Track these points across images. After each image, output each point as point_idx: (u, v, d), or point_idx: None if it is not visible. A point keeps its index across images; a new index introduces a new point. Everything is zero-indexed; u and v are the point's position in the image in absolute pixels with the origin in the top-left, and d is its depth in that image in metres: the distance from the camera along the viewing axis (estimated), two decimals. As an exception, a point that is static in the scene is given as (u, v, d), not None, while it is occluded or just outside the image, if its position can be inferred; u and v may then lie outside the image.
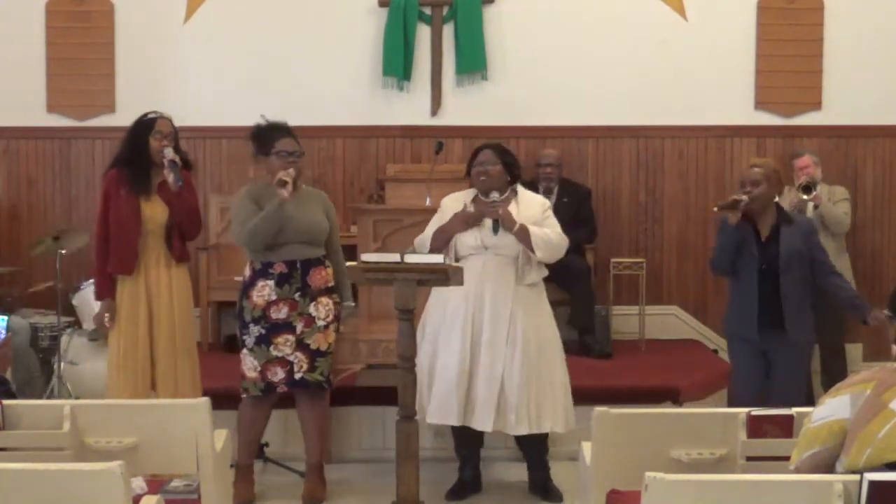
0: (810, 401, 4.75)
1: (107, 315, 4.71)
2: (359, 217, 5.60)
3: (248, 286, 4.68)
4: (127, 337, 4.66)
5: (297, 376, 4.63)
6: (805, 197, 6.14)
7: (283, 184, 4.51)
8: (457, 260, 4.61)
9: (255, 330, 4.63)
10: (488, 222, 4.60)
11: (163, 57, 7.13)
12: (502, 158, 4.67)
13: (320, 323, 4.66)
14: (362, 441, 5.41)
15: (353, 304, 4.92)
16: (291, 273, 4.63)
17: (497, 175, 4.64)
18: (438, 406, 4.57)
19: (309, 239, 4.67)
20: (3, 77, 7.07)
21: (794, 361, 4.72)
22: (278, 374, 4.62)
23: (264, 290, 4.63)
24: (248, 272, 4.72)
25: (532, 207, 4.69)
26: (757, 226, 4.72)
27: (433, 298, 4.72)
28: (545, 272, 4.72)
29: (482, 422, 4.55)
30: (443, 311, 4.64)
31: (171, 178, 4.57)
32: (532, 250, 4.54)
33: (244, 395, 4.72)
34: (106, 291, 4.71)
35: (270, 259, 4.64)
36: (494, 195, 4.58)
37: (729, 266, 4.76)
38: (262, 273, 4.65)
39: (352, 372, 5.28)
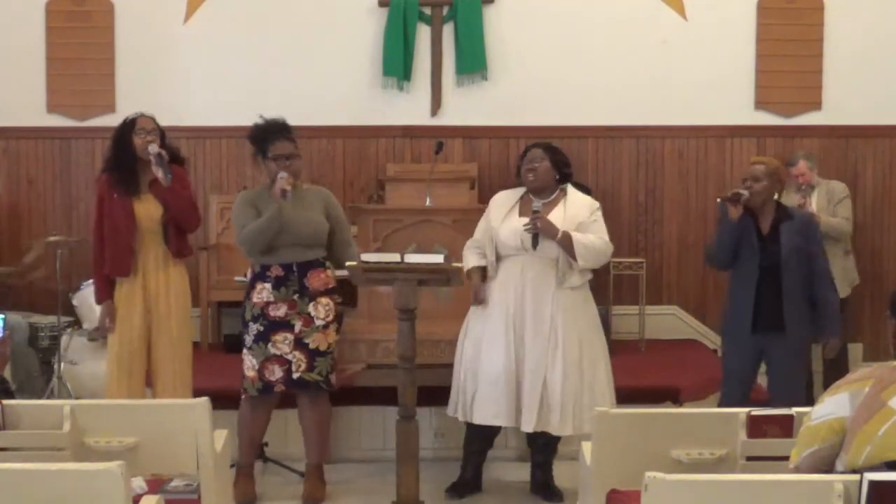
0: (810, 400, 4.75)
1: (107, 318, 4.72)
2: (359, 217, 5.59)
3: (249, 288, 4.72)
4: (123, 337, 4.67)
5: (295, 376, 4.63)
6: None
7: (284, 193, 4.52)
8: (497, 260, 4.62)
9: (254, 328, 4.64)
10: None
11: (163, 57, 7.13)
12: (550, 156, 4.66)
13: (319, 323, 4.66)
14: (362, 441, 5.40)
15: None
16: (288, 276, 4.63)
17: (545, 171, 4.63)
18: (486, 406, 4.56)
19: (305, 241, 4.66)
20: (3, 77, 7.07)
21: (791, 358, 4.70)
22: (276, 374, 4.62)
23: (262, 293, 4.64)
24: (249, 274, 4.76)
25: (579, 209, 4.63)
26: (757, 221, 4.72)
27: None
28: (589, 276, 4.68)
29: (527, 422, 4.55)
30: (483, 312, 4.64)
31: (159, 173, 4.58)
32: (574, 258, 4.51)
33: (243, 396, 4.72)
34: (105, 294, 4.72)
35: (268, 262, 4.65)
36: (536, 204, 4.55)
37: (728, 261, 4.77)
38: (259, 276, 4.67)
39: (352, 372, 5.27)
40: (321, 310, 4.67)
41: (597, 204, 4.74)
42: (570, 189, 4.73)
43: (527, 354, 4.55)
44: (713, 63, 7.11)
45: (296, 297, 4.63)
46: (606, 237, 4.63)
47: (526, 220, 4.53)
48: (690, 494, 2.52)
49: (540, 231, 4.48)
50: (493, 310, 4.61)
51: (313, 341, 4.64)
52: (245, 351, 4.68)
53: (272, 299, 4.62)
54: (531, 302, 4.55)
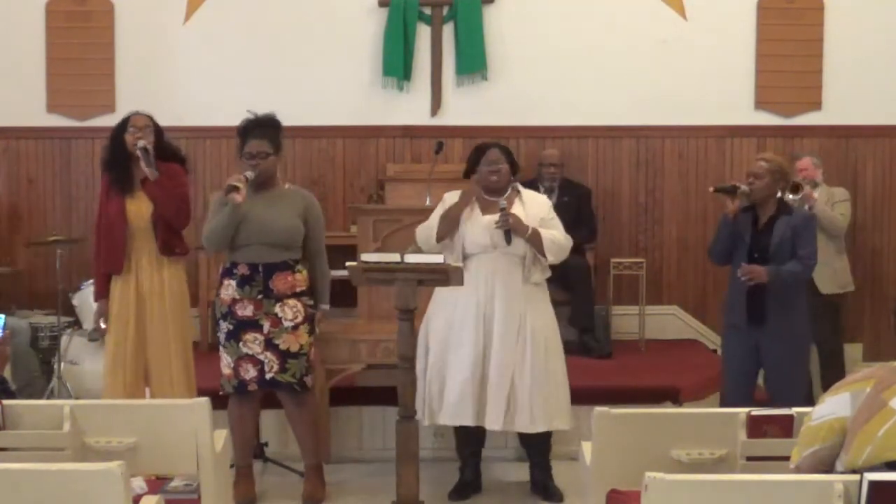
0: (810, 401, 4.75)
1: (101, 317, 4.74)
2: (359, 217, 5.60)
3: (218, 284, 4.73)
4: (117, 335, 4.68)
5: (268, 376, 4.61)
6: (792, 196, 6.11)
7: (232, 189, 4.48)
8: (464, 258, 4.61)
9: (224, 326, 4.65)
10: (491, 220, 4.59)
11: (163, 57, 7.13)
12: (507, 157, 4.71)
13: (287, 324, 4.61)
14: (362, 441, 5.41)
15: (327, 307, 4.78)
16: (253, 276, 4.60)
17: (506, 173, 4.67)
18: (452, 407, 4.56)
19: (273, 241, 4.60)
20: (3, 77, 7.07)
21: (785, 357, 4.69)
22: (250, 373, 4.61)
23: (228, 289, 4.64)
24: (221, 269, 4.77)
25: (539, 207, 4.70)
26: (758, 216, 4.76)
27: (437, 299, 4.71)
28: (548, 272, 4.73)
29: (493, 420, 4.55)
30: (451, 311, 4.62)
31: (142, 165, 4.59)
32: (543, 254, 4.56)
33: (221, 393, 4.70)
34: (102, 292, 4.74)
35: (235, 259, 4.65)
36: (503, 202, 4.56)
37: (724, 255, 4.82)
38: (227, 272, 4.68)
39: (352, 372, 5.27)
40: (288, 311, 4.62)
41: (550, 201, 4.84)
42: (521, 187, 4.79)
43: (494, 351, 4.55)
44: (713, 63, 7.11)
45: (260, 297, 4.60)
46: (564, 231, 4.70)
47: (491, 217, 4.56)
48: (690, 494, 2.52)
49: (511, 228, 4.52)
50: (461, 306, 4.59)
51: (283, 342, 4.61)
52: (221, 349, 4.69)
53: (237, 297, 4.61)
54: (501, 299, 4.56)
